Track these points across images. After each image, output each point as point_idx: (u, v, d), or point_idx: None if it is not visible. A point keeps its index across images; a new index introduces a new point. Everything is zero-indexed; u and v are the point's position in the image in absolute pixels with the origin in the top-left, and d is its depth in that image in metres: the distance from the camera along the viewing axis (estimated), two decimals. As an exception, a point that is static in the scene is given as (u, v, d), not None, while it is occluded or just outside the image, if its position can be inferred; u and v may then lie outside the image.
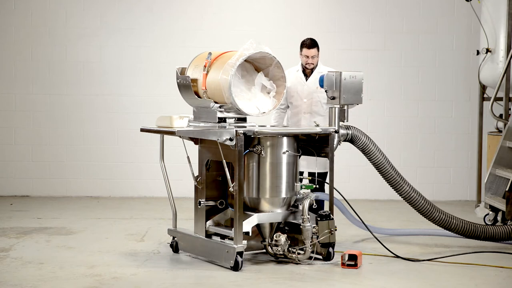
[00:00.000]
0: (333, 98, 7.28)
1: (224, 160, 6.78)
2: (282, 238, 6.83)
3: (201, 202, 7.11)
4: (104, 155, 11.02)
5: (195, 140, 7.27)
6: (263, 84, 7.15)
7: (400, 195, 7.59)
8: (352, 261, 6.75)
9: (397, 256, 7.17)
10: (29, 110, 11.00)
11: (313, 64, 7.87)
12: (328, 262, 6.92)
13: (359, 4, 11.03)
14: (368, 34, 11.01)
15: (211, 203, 7.14)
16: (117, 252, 7.33)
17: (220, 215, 7.17)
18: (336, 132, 7.18)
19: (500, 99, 9.33)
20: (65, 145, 11.04)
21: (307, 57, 7.83)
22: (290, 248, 6.86)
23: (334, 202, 7.22)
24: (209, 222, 7.11)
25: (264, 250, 7.07)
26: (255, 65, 7.25)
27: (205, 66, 7.13)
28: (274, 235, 6.88)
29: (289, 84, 7.61)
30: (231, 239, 6.75)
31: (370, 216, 9.28)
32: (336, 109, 7.30)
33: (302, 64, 7.94)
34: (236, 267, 6.60)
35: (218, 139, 6.62)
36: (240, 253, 6.60)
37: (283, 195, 6.90)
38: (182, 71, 7.40)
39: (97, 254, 7.22)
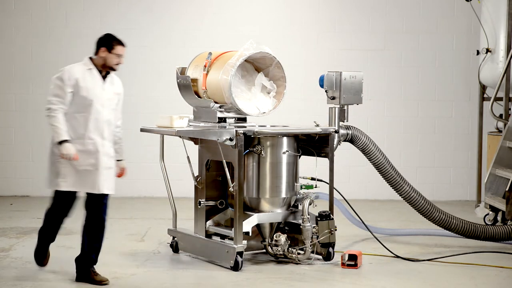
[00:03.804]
0: (333, 98, 7.28)
1: (224, 160, 6.78)
2: (282, 238, 6.82)
3: (201, 202, 7.11)
4: (104, 155, 10.99)
5: (195, 140, 7.27)
6: (263, 84, 7.15)
7: (400, 195, 7.59)
8: (352, 261, 6.75)
9: (397, 256, 7.17)
10: (29, 110, 10.99)
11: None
12: (328, 262, 6.92)
13: (359, 4, 11.02)
14: (368, 34, 11.01)
15: (211, 203, 7.14)
16: (117, 252, 7.32)
17: (220, 215, 7.17)
18: (336, 132, 7.18)
19: (500, 99, 9.32)
20: (65, 145, 11.02)
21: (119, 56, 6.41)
22: (290, 248, 6.86)
23: (334, 202, 7.22)
24: (209, 222, 7.11)
25: (264, 250, 7.06)
26: (255, 65, 7.25)
27: (205, 66, 7.13)
28: (274, 235, 6.88)
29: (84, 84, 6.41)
30: (231, 239, 6.74)
31: (370, 216, 9.27)
32: (336, 109, 7.30)
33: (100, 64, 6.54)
34: (236, 267, 6.59)
35: (218, 139, 6.62)
36: (240, 253, 6.60)
37: (283, 195, 6.90)
38: (182, 71, 7.40)
39: (97, 254, 7.22)
